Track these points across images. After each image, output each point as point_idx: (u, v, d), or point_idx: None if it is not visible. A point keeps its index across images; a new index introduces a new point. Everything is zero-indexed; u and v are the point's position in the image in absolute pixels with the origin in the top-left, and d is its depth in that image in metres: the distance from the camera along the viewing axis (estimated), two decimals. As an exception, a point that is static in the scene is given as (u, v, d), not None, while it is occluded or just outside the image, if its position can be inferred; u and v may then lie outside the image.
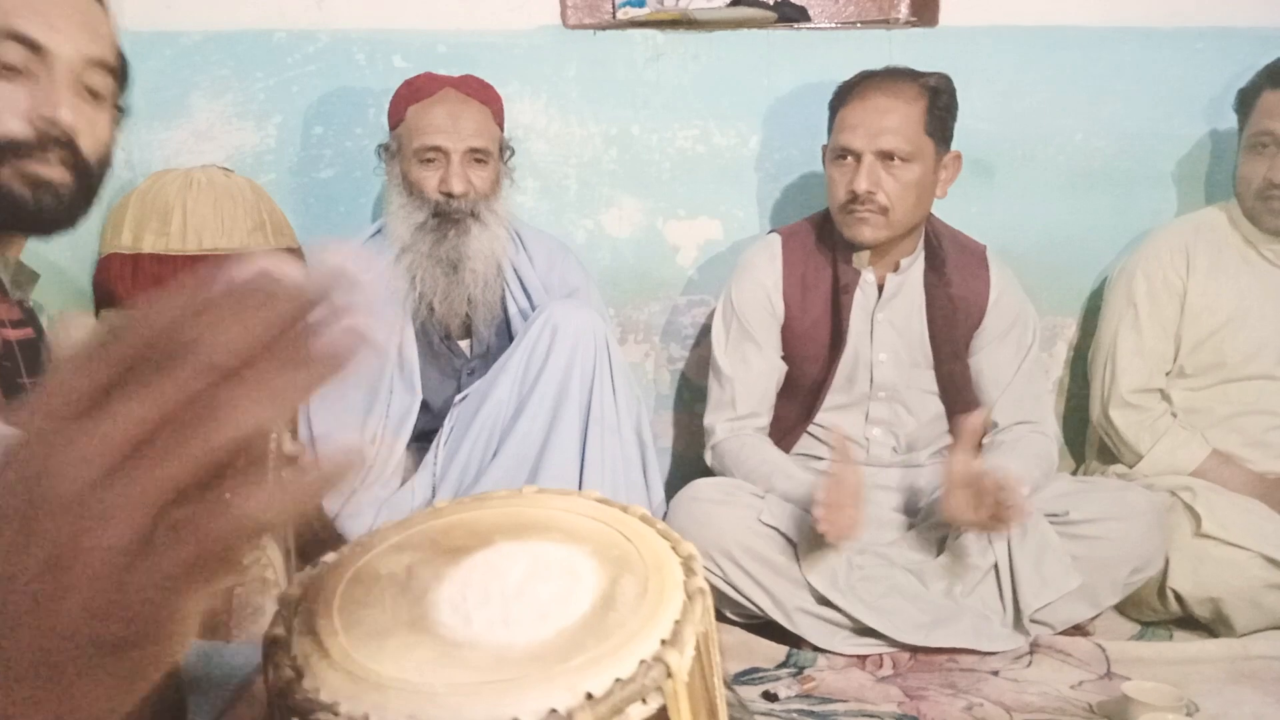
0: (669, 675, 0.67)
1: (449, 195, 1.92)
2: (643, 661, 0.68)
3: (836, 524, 1.76)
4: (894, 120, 1.92)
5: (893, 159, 1.92)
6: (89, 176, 1.12)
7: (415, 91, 1.96)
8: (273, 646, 0.76)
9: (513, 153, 2.05)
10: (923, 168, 1.95)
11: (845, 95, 2.00)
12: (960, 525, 1.86)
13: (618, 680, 0.66)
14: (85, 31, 1.08)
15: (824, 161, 2.07)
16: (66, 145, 1.08)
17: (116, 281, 2.14)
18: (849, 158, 1.96)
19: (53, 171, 1.07)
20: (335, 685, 0.70)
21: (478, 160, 1.94)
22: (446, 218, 1.93)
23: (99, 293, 2.17)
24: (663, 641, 0.70)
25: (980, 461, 1.82)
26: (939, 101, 1.95)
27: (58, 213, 1.10)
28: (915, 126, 1.93)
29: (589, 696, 0.66)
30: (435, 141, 1.91)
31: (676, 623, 0.71)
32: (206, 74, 2.25)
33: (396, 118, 1.98)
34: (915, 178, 1.94)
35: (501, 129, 2.02)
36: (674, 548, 0.84)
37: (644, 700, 0.66)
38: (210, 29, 2.23)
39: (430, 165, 1.93)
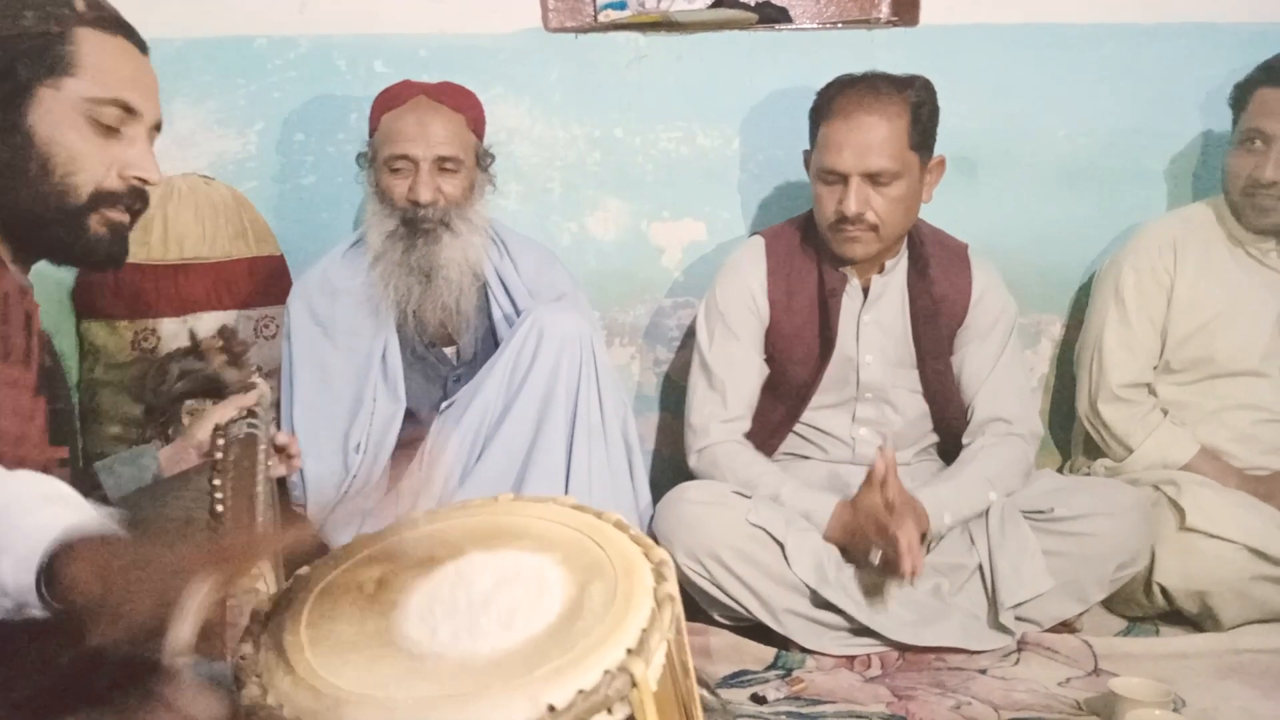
0: (634, 685, 0.68)
1: (416, 204, 1.91)
2: (607, 671, 0.67)
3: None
4: (879, 138, 1.90)
5: (880, 178, 1.92)
6: (139, 217, 1.26)
7: (389, 100, 1.95)
8: (241, 663, 0.76)
9: (492, 159, 2.03)
10: (909, 182, 1.95)
11: (827, 107, 1.97)
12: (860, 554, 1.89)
13: (580, 691, 0.66)
14: (156, 97, 1.26)
15: (806, 167, 2.06)
16: (142, 197, 1.23)
17: (99, 292, 2.14)
18: (835, 178, 1.95)
19: (123, 216, 1.22)
20: (299, 702, 0.70)
21: (447, 169, 1.92)
22: (416, 226, 1.92)
23: (80, 303, 2.16)
24: (629, 651, 0.69)
25: (891, 497, 1.82)
26: (921, 114, 1.94)
27: (122, 253, 1.24)
28: (900, 143, 1.92)
29: (550, 709, 0.66)
30: (403, 150, 1.90)
31: (643, 631, 0.71)
32: (188, 81, 2.25)
33: (372, 126, 1.97)
34: (903, 193, 1.94)
35: (479, 137, 2.00)
36: (646, 554, 0.84)
37: (609, 710, 0.66)
38: (191, 36, 2.22)
39: (399, 174, 1.91)
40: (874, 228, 1.94)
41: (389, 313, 1.97)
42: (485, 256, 2.00)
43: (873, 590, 1.88)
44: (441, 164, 1.91)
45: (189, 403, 1.58)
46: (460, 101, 1.97)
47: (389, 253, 1.93)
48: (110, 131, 1.18)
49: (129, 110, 1.20)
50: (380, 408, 1.97)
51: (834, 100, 1.96)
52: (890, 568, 1.82)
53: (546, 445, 1.85)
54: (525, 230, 2.22)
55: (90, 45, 1.17)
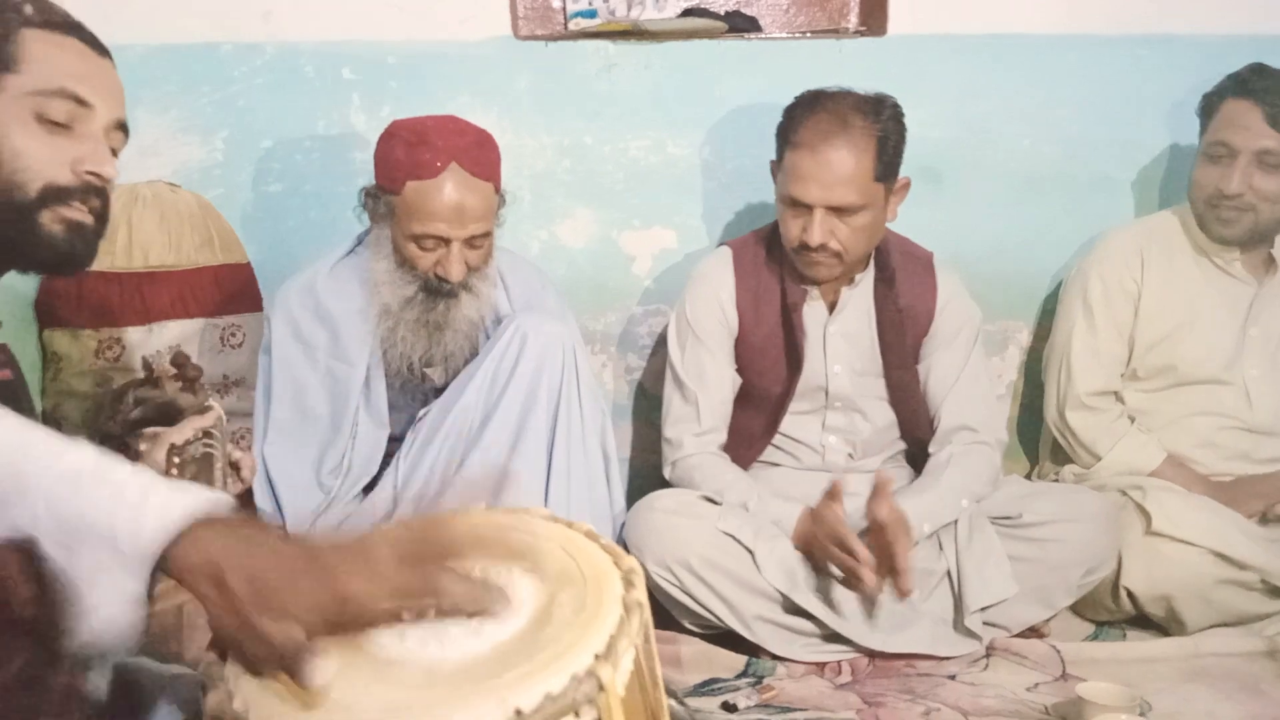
0: (601, 689, 0.68)
1: (443, 280, 1.84)
2: (574, 676, 0.68)
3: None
4: (844, 174, 1.88)
5: (844, 210, 1.91)
6: (105, 221, 1.25)
7: (416, 165, 1.79)
8: (208, 668, 0.76)
9: (504, 203, 1.92)
10: (874, 211, 1.94)
11: (794, 133, 1.94)
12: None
13: (547, 695, 0.66)
14: (115, 96, 1.25)
15: (774, 177, 2.06)
16: (99, 193, 1.22)
17: (61, 301, 2.11)
18: (800, 206, 1.93)
19: (84, 216, 1.20)
20: (264, 706, 0.70)
21: (475, 244, 1.85)
22: (437, 291, 1.85)
23: (43, 313, 2.13)
24: (596, 656, 0.70)
25: (885, 515, 1.82)
26: (887, 146, 1.92)
27: (85, 254, 1.23)
28: (865, 177, 1.90)
29: (518, 712, 0.66)
30: (437, 231, 1.80)
31: (611, 637, 0.71)
32: (152, 88, 2.23)
33: (391, 184, 1.82)
34: (867, 223, 1.94)
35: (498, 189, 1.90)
36: (615, 562, 0.84)
37: (576, 714, 0.67)
38: (155, 42, 2.20)
39: (428, 250, 1.82)
40: (837, 254, 1.95)
41: (378, 342, 1.92)
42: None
43: (843, 596, 1.89)
44: (472, 240, 1.84)
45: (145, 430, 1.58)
46: (491, 167, 1.86)
47: (405, 314, 1.87)
48: (61, 128, 1.18)
49: (80, 103, 1.19)
50: (363, 433, 1.94)
51: (800, 126, 1.93)
52: (850, 583, 1.82)
53: (527, 451, 1.83)
54: (496, 240, 2.21)
55: (35, 43, 1.17)
